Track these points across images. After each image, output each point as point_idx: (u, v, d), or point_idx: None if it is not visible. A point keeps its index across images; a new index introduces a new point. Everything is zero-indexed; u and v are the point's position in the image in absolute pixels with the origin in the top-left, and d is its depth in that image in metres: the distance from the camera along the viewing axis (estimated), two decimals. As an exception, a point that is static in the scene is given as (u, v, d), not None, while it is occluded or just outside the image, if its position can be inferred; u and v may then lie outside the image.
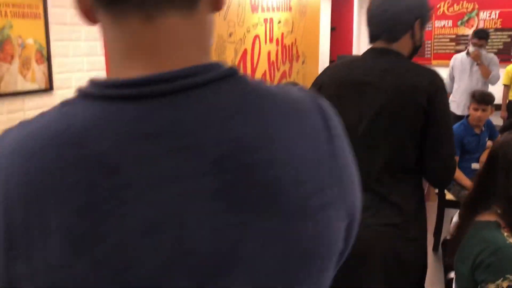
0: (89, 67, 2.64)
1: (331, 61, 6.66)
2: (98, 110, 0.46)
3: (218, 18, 3.38)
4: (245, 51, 3.79)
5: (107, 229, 0.44)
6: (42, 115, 0.50)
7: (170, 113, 0.46)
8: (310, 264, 0.50)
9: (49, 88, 2.38)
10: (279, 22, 4.42)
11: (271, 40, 4.29)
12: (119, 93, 0.46)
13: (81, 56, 2.58)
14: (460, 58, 5.00)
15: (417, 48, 1.58)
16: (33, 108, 2.31)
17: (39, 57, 2.32)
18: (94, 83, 0.48)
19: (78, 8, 0.51)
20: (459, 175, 3.30)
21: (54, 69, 2.41)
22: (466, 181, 3.25)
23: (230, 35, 3.53)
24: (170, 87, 0.46)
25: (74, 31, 2.51)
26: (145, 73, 0.47)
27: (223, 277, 0.46)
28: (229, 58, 3.57)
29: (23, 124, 0.50)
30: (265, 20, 4.15)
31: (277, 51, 4.44)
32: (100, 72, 2.72)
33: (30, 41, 2.26)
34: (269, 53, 4.27)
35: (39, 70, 2.32)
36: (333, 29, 6.91)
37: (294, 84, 0.57)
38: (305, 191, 0.49)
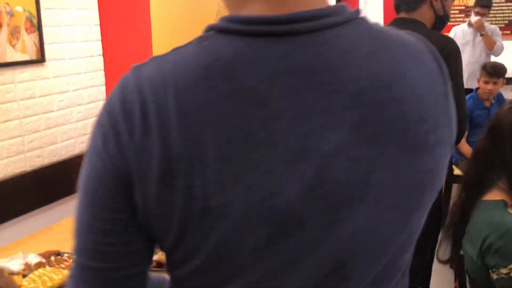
0: (84, 37, 2.53)
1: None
2: (242, 45, 0.48)
3: None
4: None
5: (258, 157, 0.47)
6: (177, 50, 0.52)
7: (314, 50, 0.49)
8: (424, 196, 0.55)
9: (41, 59, 2.27)
10: None
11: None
12: (266, 29, 0.48)
13: (75, 25, 2.47)
14: (461, 29, 4.82)
15: (440, 18, 1.65)
16: (25, 80, 2.21)
17: (29, 26, 2.20)
18: (229, 19, 0.50)
19: None
20: (467, 149, 3.19)
21: (46, 39, 2.30)
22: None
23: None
24: (312, 26, 0.48)
25: (66, -1, 2.40)
26: (275, 12, 0.49)
27: (354, 204, 0.50)
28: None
29: (160, 60, 0.51)
30: None
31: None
32: (96, 43, 2.61)
33: (18, 8, 2.14)
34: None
35: (29, 40, 2.21)
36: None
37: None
38: (426, 127, 0.53)
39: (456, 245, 1.47)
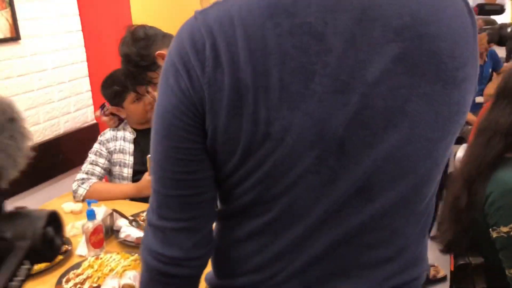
0: (60, 12, 2.42)
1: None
2: None
3: None
4: None
5: (314, 87, 0.53)
6: None
7: None
8: (450, 126, 0.60)
9: (15, 37, 2.18)
10: None
11: None
12: None
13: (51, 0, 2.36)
14: None
15: None
16: (0, 59, 2.13)
17: (0, 2, 2.10)
18: None
19: None
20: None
21: (19, 15, 2.20)
22: (470, 116, 3.09)
23: None
24: None
25: (37, -28, 2.28)
26: None
27: (390, 129, 0.55)
28: None
29: (225, 2, 0.57)
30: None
31: None
32: (73, 17, 2.51)
33: (-13, -16, 2.04)
34: None
35: (1, 17, 2.11)
36: None
37: None
38: (456, 64, 0.57)
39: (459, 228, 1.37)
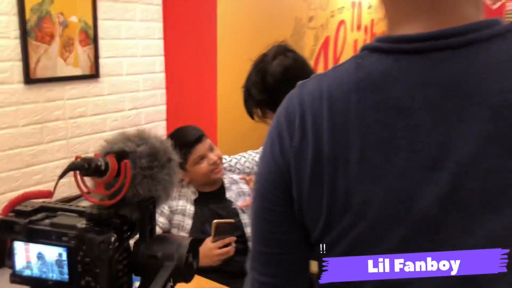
0: (145, 52, 2.31)
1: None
2: (389, 62, 0.54)
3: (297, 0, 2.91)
4: (327, 39, 3.29)
5: (398, 162, 0.53)
6: (336, 67, 0.60)
7: (457, 65, 0.52)
8: None
9: (94, 74, 2.07)
10: (369, 7, 3.85)
11: (358, 28, 3.75)
12: (411, 47, 0.53)
13: (135, 38, 2.25)
14: None
15: None
16: (75, 96, 2.01)
17: (84, 38, 2.01)
18: (380, 39, 0.56)
19: None
20: None
21: (102, 52, 2.09)
22: None
23: (311, 19, 3.05)
24: (457, 41, 0.52)
25: (127, 9, 2.19)
26: (427, 30, 0.53)
27: (491, 214, 0.52)
28: (308, 46, 3.09)
29: (320, 77, 0.60)
30: (353, 4, 3.61)
31: (365, 40, 3.89)
32: (158, 58, 2.38)
33: (73, 19, 1.96)
34: (355, 42, 3.73)
35: (83, 53, 2.01)
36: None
37: None
38: None
39: None
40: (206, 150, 1.79)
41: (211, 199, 1.83)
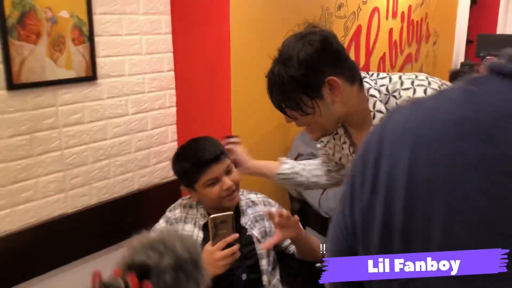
0: (150, 48, 2.06)
1: (468, 42, 5.45)
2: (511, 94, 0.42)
3: (324, -15, 2.60)
4: (359, 28, 2.96)
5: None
6: (442, 93, 0.49)
7: None
8: None
9: (91, 76, 1.84)
10: (406, -9, 3.49)
11: (394, 15, 3.39)
12: None
13: (138, 34, 2.00)
14: None
15: None
16: (69, 102, 1.79)
17: (77, 36, 1.77)
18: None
19: None
20: None
21: (99, 51, 1.86)
22: None
23: (340, 7, 2.73)
24: None
25: (128, 1, 1.94)
26: None
27: None
28: (338, 36, 2.77)
29: (416, 105, 0.49)
30: (388, -11, 3.26)
31: (401, 28, 3.53)
32: (166, 54, 2.13)
33: (64, 14, 1.72)
34: (391, 31, 3.38)
35: (77, 53, 1.78)
36: (474, 1, 5.67)
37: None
38: None
39: None
40: (222, 172, 1.50)
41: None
